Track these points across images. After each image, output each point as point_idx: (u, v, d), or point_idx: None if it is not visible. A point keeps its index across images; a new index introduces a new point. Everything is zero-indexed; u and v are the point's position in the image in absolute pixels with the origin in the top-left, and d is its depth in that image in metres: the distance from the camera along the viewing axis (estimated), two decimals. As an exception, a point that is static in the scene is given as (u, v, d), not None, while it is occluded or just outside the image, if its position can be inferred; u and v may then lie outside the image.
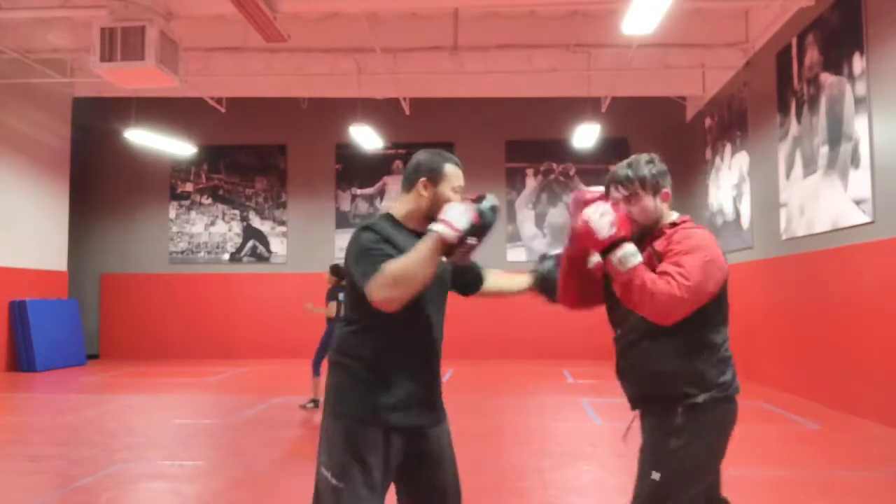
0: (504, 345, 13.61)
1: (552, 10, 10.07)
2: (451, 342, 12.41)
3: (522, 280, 2.65)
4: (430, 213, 2.25)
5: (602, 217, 2.14)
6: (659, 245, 2.24)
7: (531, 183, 14.24)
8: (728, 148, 11.21)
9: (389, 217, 2.33)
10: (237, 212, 14.66)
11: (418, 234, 2.22)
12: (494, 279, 2.65)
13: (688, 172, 13.54)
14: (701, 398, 2.17)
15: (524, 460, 5.46)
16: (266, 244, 14.50)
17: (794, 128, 8.62)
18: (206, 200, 14.72)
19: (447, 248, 2.07)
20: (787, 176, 8.81)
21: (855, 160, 7.14)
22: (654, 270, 2.16)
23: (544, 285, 2.56)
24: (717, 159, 11.73)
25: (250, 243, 14.57)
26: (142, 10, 7.72)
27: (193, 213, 14.72)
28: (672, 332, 2.15)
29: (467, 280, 2.58)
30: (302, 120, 14.11)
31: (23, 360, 11.73)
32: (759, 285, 9.57)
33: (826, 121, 7.79)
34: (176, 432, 6.68)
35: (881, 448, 5.83)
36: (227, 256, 14.58)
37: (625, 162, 2.37)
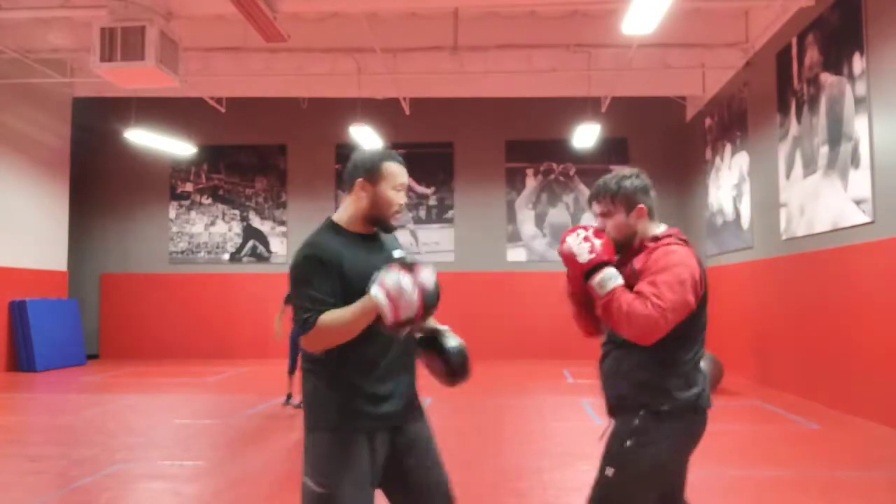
0: (504, 345, 13.61)
1: (552, 10, 10.07)
2: (451, 342, 12.03)
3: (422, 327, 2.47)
4: (371, 215, 2.23)
5: (581, 243, 2.24)
6: (638, 262, 2.29)
7: (531, 183, 14.24)
8: (728, 148, 11.21)
9: (332, 225, 2.25)
10: (237, 212, 14.66)
11: (363, 237, 2.23)
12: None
13: (688, 172, 13.54)
14: (665, 406, 2.24)
15: (524, 460, 5.46)
16: (266, 244, 14.51)
17: (794, 128, 8.62)
18: (206, 200, 14.72)
19: (383, 320, 2.02)
20: (787, 176, 8.81)
21: (855, 160, 7.14)
22: (632, 287, 2.22)
23: (447, 358, 2.39)
24: (717, 159, 11.73)
25: (250, 243, 14.57)
26: (142, 10, 7.72)
27: (193, 213, 14.72)
28: (652, 348, 2.21)
29: None
30: (302, 120, 14.11)
31: (23, 360, 11.73)
32: (759, 285, 9.57)
33: (826, 121, 7.79)
34: (176, 432, 6.68)
35: (881, 448, 5.83)
36: (227, 256, 14.58)
37: (607, 176, 2.42)
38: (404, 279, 2.01)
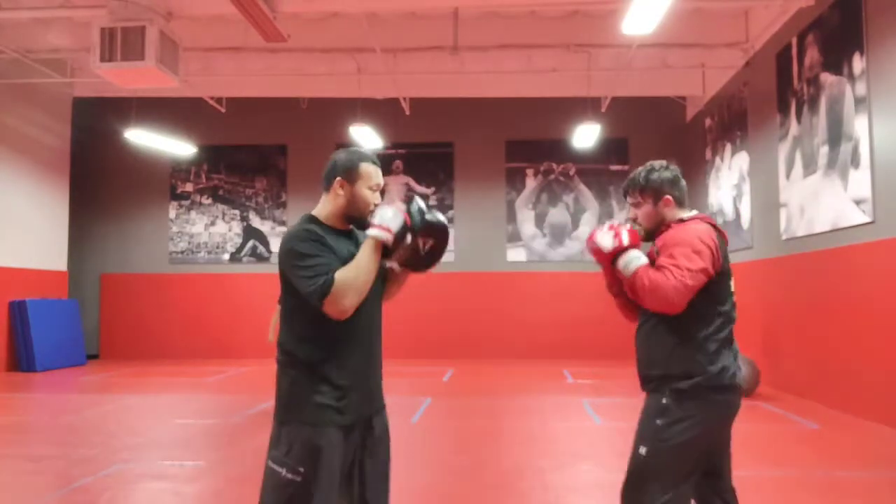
0: (504, 345, 13.61)
1: (552, 10, 10.07)
2: (452, 342, 12.48)
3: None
4: (348, 213, 2.35)
5: (605, 234, 2.49)
6: (659, 240, 2.52)
7: (531, 183, 14.24)
8: (728, 148, 11.21)
9: (313, 219, 2.35)
10: (237, 212, 14.66)
11: (343, 233, 2.35)
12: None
13: (688, 172, 13.45)
14: (686, 384, 2.37)
15: (524, 460, 5.46)
16: (266, 244, 14.51)
17: (794, 128, 8.62)
18: (206, 200, 14.72)
19: (385, 249, 2.19)
20: (787, 176, 8.81)
21: (855, 160, 7.14)
22: (651, 259, 2.45)
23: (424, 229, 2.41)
24: (717, 159, 11.73)
25: (250, 243, 14.57)
26: (142, 10, 7.72)
27: (193, 213, 14.72)
28: (668, 322, 2.41)
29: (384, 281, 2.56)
30: (302, 120, 14.12)
31: (23, 360, 11.73)
32: (759, 285, 9.57)
33: (826, 121, 7.79)
34: (176, 432, 6.68)
35: (881, 448, 5.83)
36: (227, 256, 14.58)
37: (638, 169, 2.64)
38: (388, 209, 2.22)
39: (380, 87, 11.65)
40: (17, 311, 11.81)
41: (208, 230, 14.69)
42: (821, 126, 7.91)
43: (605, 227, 2.53)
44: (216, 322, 14.08)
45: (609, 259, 2.49)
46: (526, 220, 14.20)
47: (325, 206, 2.38)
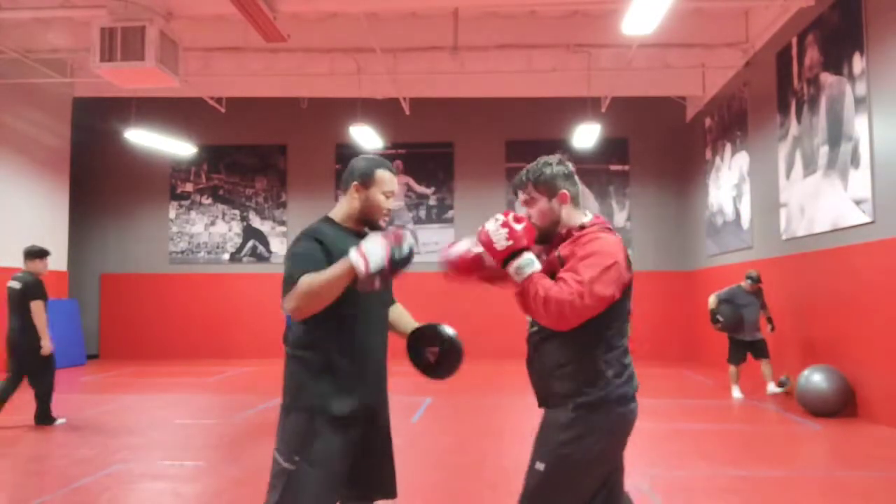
0: (504, 345, 13.58)
1: (552, 10, 10.07)
2: (451, 342, 11.99)
3: (408, 327, 2.68)
4: (362, 216, 2.46)
5: (499, 229, 2.19)
6: (564, 249, 2.24)
7: (531, 183, 14.22)
8: (728, 148, 11.21)
9: (329, 220, 2.48)
10: (237, 212, 14.66)
11: (356, 233, 2.43)
12: (396, 311, 2.72)
13: (688, 172, 13.54)
14: (591, 397, 2.19)
15: (524, 459, 5.44)
16: (266, 244, 14.51)
17: (794, 128, 8.62)
18: (206, 200, 14.72)
19: (357, 278, 2.19)
20: (787, 176, 8.81)
21: (855, 160, 7.14)
22: (554, 275, 2.18)
23: (415, 359, 2.61)
24: (717, 159, 11.73)
25: (250, 243, 14.57)
26: (142, 10, 7.72)
27: (193, 213, 14.72)
28: (567, 333, 2.17)
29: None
30: (302, 120, 14.12)
31: (23, 360, 11.71)
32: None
33: (826, 121, 7.79)
34: (176, 432, 6.68)
35: (881, 448, 5.83)
36: (227, 256, 14.58)
37: (529, 165, 2.40)
38: (375, 240, 2.22)
39: (380, 87, 11.65)
40: (17, 311, 11.79)
41: (208, 230, 14.68)
42: (821, 126, 7.91)
43: (498, 219, 2.22)
44: (216, 322, 14.08)
45: (501, 259, 2.18)
46: (526, 220, 14.19)
47: (342, 208, 2.50)
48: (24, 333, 6.59)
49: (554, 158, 2.38)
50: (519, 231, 2.18)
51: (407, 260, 2.24)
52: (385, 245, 2.20)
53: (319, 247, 2.31)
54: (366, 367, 2.39)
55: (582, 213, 2.35)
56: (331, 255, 2.29)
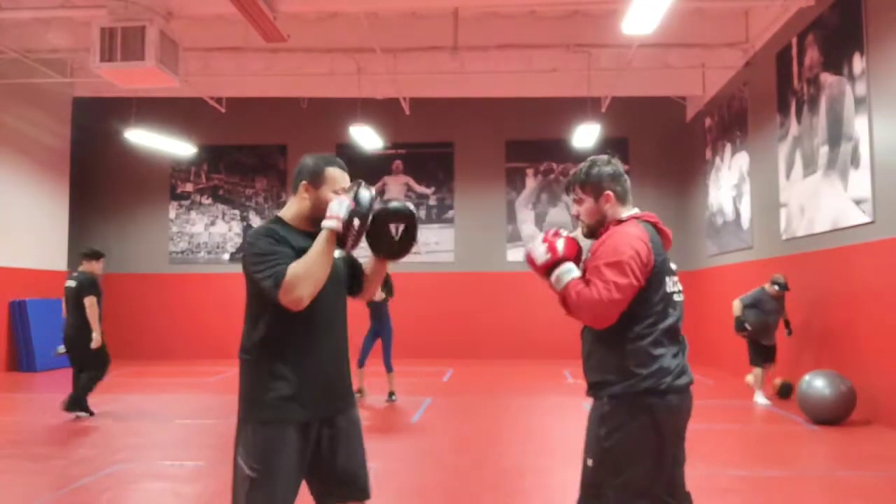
0: (504, 345, 13.61)
1: (552, 10, 10.07)
2: (452, 342, 12.45)
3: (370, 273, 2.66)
4: (313, 215, 2.39)
5: (540, 245, 2.46)
6: (594, 245, 2.47)
7: (531, 183, 14.24)
8: (728, 148, 11.21)
9: (279, 220, 2.44)
10: (237, 212, 14.66)
11: (308, 234, 2.37)
12: (367, 266, 2.66)
13: (688, 172, 13.54)
14: (619, 388, 2.32)
15: (524, 460, 5.46)
16: (266, 244, 14.50)
17: (794, 128, 8.62)
18: (206, 200, 14.72)
19: (339, 238, 2.25)
20: (787, 176, 8.81)
21: (855, 160, 7.14)
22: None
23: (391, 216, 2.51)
24: (717, 159, 11.73)
25: (249, 234, 14.57)
26: (142, 10, 7.72)
27: (193, 213, 14.72)
28: (609, 329, 2.35)
29: (355, 278, 2.62)
30: (302, 120, 14.12)
31: (23, 360, 11.73)
32: (759, 285, 9.56)
33: (826, 121, 7.79)
34: (176, 432, 6.68)
35: (881, 448, 5.83)
36: (227, 256, 14.59)
37: (580, 165, 2.58)
38: (336, 200, 2.30)
39: (380, 87, 11.65)
40: (17, 311, 11.81)
41: (208, 230, 14.69)
42: (821, 126, 7.91)
43: (540, 238, 2.48)
44: (216, 322, 14.07)
45: (543, 272, 2.44)
46: (526, 220, 14.20)
47: (291, 208, 2.45)
48: (79, 328, 7.20)
49: (602, 159, 2.55)
50: (559, 245, 2.43)
51: (371, 199, 2.30)
52: (343, 198, 2.30)
53: (276, 240, 2.29)
54: (319, 372, 2.34)
55: (626, 208, 2.52)
56: (292, 248, 2.29)
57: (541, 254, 2.44)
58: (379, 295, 7.93)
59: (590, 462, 2.36)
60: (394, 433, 6.70)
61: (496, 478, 4.93)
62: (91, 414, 7.33)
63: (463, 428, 6.88)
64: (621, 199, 2.50)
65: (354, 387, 7.08)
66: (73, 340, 7.27)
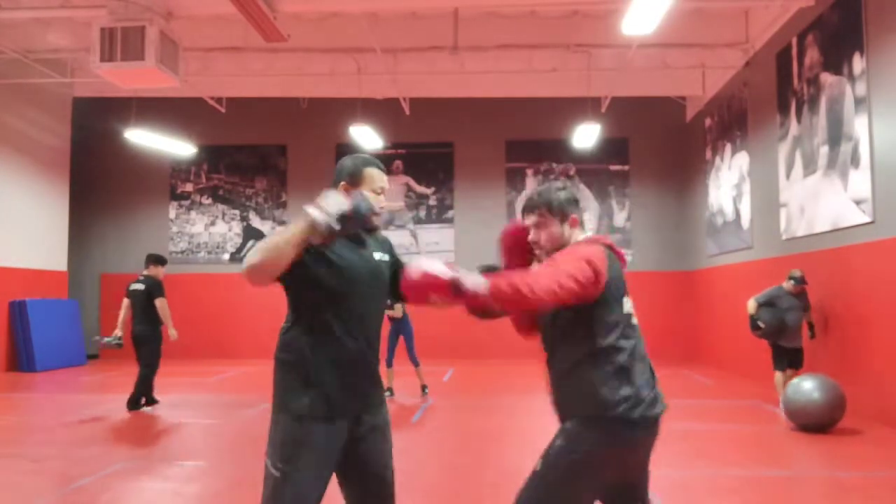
0: (504, 345, 13.57)
1: (552, 10, 10.07)
2: (452, 342, 12.46)
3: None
4: None
5: (430, 272, 2.10)
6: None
7: (531, 183, 14.24)
8: (728, 148, 11.21)
9: None
10: (237, 212, 14.66)
11: (353, 238, 2.38)
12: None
13: (688, 172, 13.54)
14: (584, 414, 2.26)
15: (525, 460, 5.44)
16: (266, 244, 14.50)
17: (794, 128, 8.62)
18: (206, 200, 14.72)
19: (316, 229, 2.20)
20: (787, 176, 8.81)
21: (855, 160, 7.14)
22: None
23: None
24: (717, 159, 11.73)
25: (250, 243, 14.56)
26: (142, 10, 7.72)
27: (193, 213, 14.72)
28: (562, 353, 2.31)
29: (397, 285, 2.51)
30: (302, 120, 14.11)
31: (23, 360, 11.73)
32: (759, 285, 9.55)
33: (826, 121, 7.79)
34: (176, 432, 6.68)
35: (881, 448, 5.83)
36: (227, 256, 14.59)
37: (536, 189, 2.50)
38: (336, 196, 2.25)
39: (380, 87, 11.65)
40: (17, 311, 11.81)
41: (208, 230, 14.69)
42: (821, 126, 7.91)
43: (420, 268, 2.12)
44: (216, 322, 14.08)
45: (450, 287, 2.07)
46: (526, 221, 14.18)
47: None
48: (146, 326, 7.68)
49: (562, 184, 2.51)
50: (445, 267, 2.11)
51: (368, 212, 2.24)
52: (343, 197, 2.25)
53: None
54: (349, 372, 2.34)
55: (582, 232, 2.46)
56: (324, 256, 2.30)
57: (439, 273, 2.09)
58: (398, 311, 8.25)
59: (538, 465, 2.30)
60: (394, 433, 6.67)
61: (497, 478, 4.93)
62: (156, 402, 7.94)
63: (463, 428, 6.88)
64: (582, 225, 2.47)
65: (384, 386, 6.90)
66: (140, 337, 7.72)
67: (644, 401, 2.25)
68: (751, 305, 7.46)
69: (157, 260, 8.12)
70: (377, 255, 2.47)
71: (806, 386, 6.32)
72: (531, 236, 2.45)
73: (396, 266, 2.54)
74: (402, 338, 8.44)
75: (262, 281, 2.22)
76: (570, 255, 2.24)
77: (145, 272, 7.95)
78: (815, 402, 6.23)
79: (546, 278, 2.10)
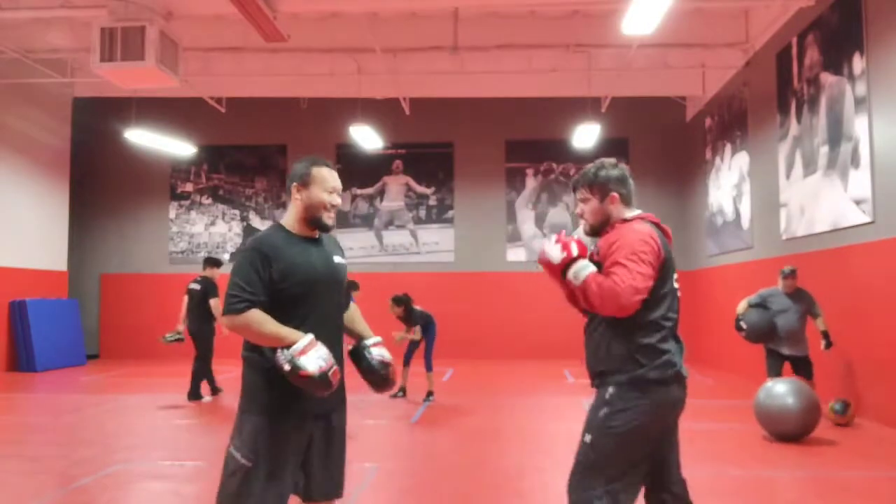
0: (504, 345, 13.61)
1: (552, 10, 10.07)
2: (451, 342, 12.45)
3: (356, 334, 2.77)
4: (307, 215, 2.53)
5: (553, 246, 2.54)
6: (602, 240, 2.57)
7: (531, 183, 14.24)
8: (728, 148, 11.21)
9: (279, 226, 2.57)
10: (237, 212, 14.66)
11: (306, 239, 2.53)
12: (350, 315, 2.79)
13: (688, 172, 13.54)
14: (625, 377, 2.46)
15: (524, 460, 5.46)
16: (266, 244, 14.50)
17: (794, 128, 8.62)
18: (206, 200, 14.72)
19: (284, 353, 2.34)
20: (787, 176, 8.81)
21: (855, 160, 7.14)
22: (593, 260, 2.53)
23: (366, 375, 2.70)
24: (717, 159, 11.73)
25: (249, 241, 14.57)
26: (142, 10, 7.72)
27: (193, 213, 14.72)
28: (607, 321, 2.50)
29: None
30: (302, 120, 14.11)
31: (23, 360, 11.73)
32: (759, 285, 9.54)
33: (826, 121, 7.79)
34: (176, 432, 6.68)
35: (881, 448, 5.83)
36: (227, 256, 14.58)
37: (588, 166, 2.70)
38: (322, 354, 2.37)
39: (380, 87, 11.65)
40: (17, 311, 11.81)
41: (208, 230, 14.69)
42: (821, 126, 7.91)
43: (553, 239, 2.57)
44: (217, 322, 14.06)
45: (559, 271, 2.53)
46: (526, 220, 14.20)
47: (290, 213, 2.57)
48: (201, 323, 8.43)
49: (610, 161, 2.67)
50: (572, 245, 2.52)
51: (319, 380, 2.34)
52: (326, 356, 2.37)
53: (261, 260, 2.40)
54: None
55: (629, 210, 2.63)
56: (276, 262, 2.41)
57: (556, 253, 2.52)
58: (417, 334, 8.25)
59: (588, 438, 2.49)
60: (394, 433, 6.70)
61: (496, 478, 4.93)
62: (220, 390, 8.79)
63: (463, 428, 6.88)
64: (625, 201, 2.62)
65: (397, 385, 7.20)
66: (195, 333, 8.48)
67: (676, 364, 2.48)
68: (741, 305, 6.91)
69: (213, 262, 8.73)
70: (336, 258, 2.61)
71: (779, 390, 5.97)
72: (577, 209, 2.71)
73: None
74: (423, 341, 8.39)
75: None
76: (629, 250, 2.41)
77: (203, 273, 8.64)
78: (789, 408, 5.87)
79: (620, 288, 2.35)
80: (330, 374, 2.35)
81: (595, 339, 2.57)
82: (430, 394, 8.40)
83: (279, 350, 2.34)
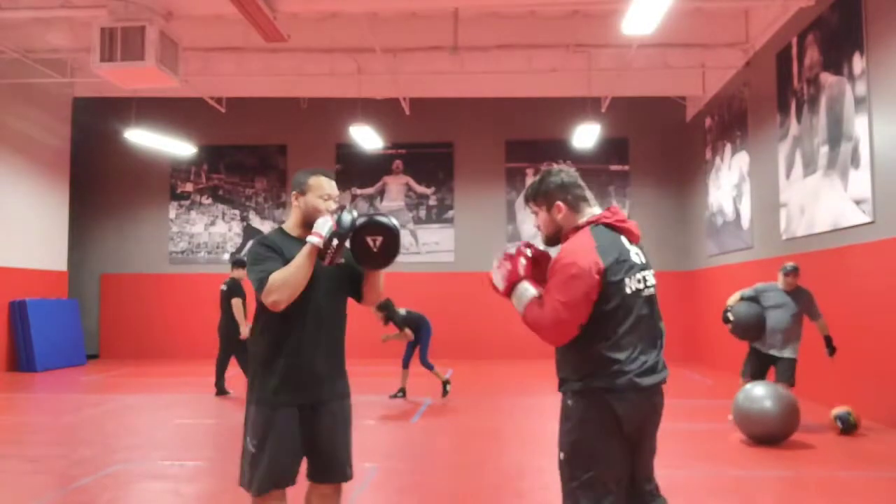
0: (504, 345, 13.61)
1: (552, 10, 10.07)
2: (452, 342, 12.46)
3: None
4: (306, 221, 2.74)
5: (497, 271, 2.58)
6: (557, 253, 2.49)
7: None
8: (728, 148, 11.21)
9: (280, 229, 2.82)
10: (237, 212, 14.66)
11: (303, 241, 2.66)
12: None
13: (688, 172, 13.54)
14: (578, 385, 2.39)
15: (525, 460, 5.47)
16: (266, 244, 14.50)
17: (794, 128, 8.62)
18: (206, 200, 14.72)
19: (320, 252, 2.57)
20: (787, 176, 8.81)
21: (855, 160, 7.14)
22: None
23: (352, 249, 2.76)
24: (717, 159, 11.73)
25: (250, 243, 14.57)
26: (142, 10, 7.71)
27: (193, 213, 14.72)
28: None
29: (358, 285, 2.87)
30: (302, 120, 14.11)
31: (23, 360, 11.73)
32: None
33: (826, 121, 7.79)
34: (176, 432, 6.68)
35: (881, 448, 5.83)
36: (227, 256, 14.58)
37: (535, 177, 2.65)
38: (322, 218, 2.64)
39: (380, 87, 11.65)
40: (17, 311, 11.81)
41: (208, 230, 14.68)
42: (821, 126, 7.91)
43: (497, 260, 2.57)
44: (216, 322, 14.04)
45: (505, 295, 2.56)
46: (526, 220, 14.19)
47: (290, 219, 2.82)
48: (227, 323, 8.73)
49: (553, 170, 2.58)
50: (513, 267, 2.53)
51: (351, 222, 2.58)
52: (328, 217, 2.64)
53: (266, 247, 2.65)
54: (310, 363, 2.66)
55: (581, 214, 2.52)
56: (282, 255, 2.63)
57: (498, 280, 2.58)
58: (409, 335, 8.25)
59: (562, 455, 2.43)
60: (394, 433, 6.70)
61: (496, 478, 4.93)
62: (227, 393, 8.89)
63: (463, 428, 6.88)
64: (573, 207, 2.51)
65: (397, 386, 7.54)
66: (222, 331, 8.79)
67: (629, 373, 2.35)
68: (733, 297, 6.58)
69: (237, 263, 8.99)
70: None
71: (757, 392, 5.84)
72: (533, 221, 2.68)
73: (351, 268, 2.80)
74: (417, 343, 8.40)
75: (285, 306, 2.57)
76: (561, 276, 2.34)
77: (231, 274, 8.94)
78: (768, 412, 5.73)
79: (548, 320, 2.34)
80: (339, 218, 2.59)
81: (557, 349, 2.53)
82: (446, 383, 8.46)
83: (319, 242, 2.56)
